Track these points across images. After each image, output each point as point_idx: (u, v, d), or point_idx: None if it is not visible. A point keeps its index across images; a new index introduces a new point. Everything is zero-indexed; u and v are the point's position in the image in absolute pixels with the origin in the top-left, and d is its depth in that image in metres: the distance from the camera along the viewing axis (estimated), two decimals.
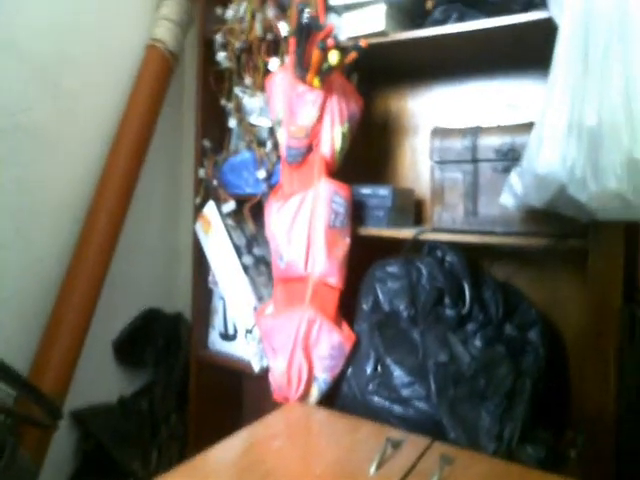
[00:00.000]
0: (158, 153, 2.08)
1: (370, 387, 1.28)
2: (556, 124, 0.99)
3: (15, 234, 1.62)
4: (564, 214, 1.06)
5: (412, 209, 1.60)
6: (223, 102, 1.86)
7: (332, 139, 1.47)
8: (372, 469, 0.98)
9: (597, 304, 1.07)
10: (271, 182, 1.70)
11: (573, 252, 1.18)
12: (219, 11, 1.84)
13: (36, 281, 1.69)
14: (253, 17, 1.74)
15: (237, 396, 2.04)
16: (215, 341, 1.85)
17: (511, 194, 1.12)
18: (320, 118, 1.46)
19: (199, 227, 1.86)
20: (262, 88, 1.73)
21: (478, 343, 1.26)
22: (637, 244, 1.13)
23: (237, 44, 1.77)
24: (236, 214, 1.82)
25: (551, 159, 0.99)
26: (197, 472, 1.00)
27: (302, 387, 1.37)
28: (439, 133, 1.36)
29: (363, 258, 1.49)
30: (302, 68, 1.44)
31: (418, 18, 1.44)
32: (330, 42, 1.37)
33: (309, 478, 0.96)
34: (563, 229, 1.16)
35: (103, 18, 1.87)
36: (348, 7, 1.49)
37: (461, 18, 1.32)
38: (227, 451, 1.10)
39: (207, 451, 1.08)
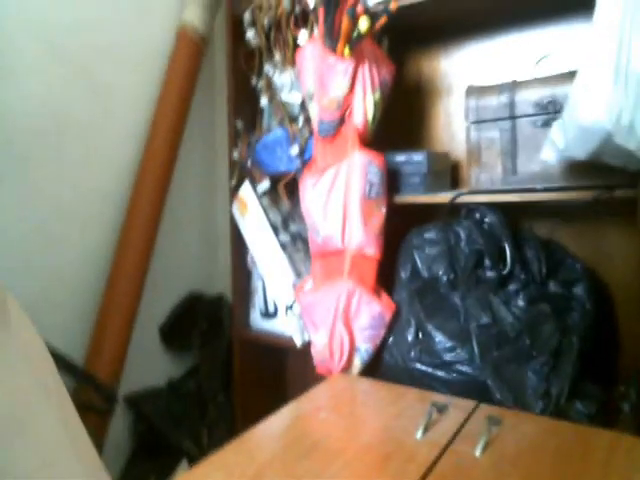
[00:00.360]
0: (193, 137, 2.11)
1: (412, 354, 1.28)
2: (601, 70, 0.96)
3: (57, 229, 1.69)
4: (610, 164, 1.03)
5: (448, 173, 1.58)
6: (254, 81, 1.87)
7: (364, 109, 1.46)
8: (419, 434, 0.98)
9: None
10: (304, 158, 1.70)
11: (620, 204, 1.14)
12: None
13: (89, 270, 1.77)
14: None
15: (281, 373, 2.07)
16: (256, 320, 1.87)
17: (553, 148, 1.09)
18: (352, 88, 1.45)
19: (235, 209, 1.88)
20: (292, 63, 1.73)
21: (521, 303, 1.24)
22: None
23: (265, 20, 1.78)
24: (271, 193, 1.84)
25: (596, 108, 0.96)
26: (246, 448, 1.01)
27: (344, 359, 1.38)
28: (474, 91, 1.34)
29: (401, 226, 1.48)
30: (332, 38, 1.44)
31: None
32: (359, 8, 1.36)
33: (356, 447, 0.97)
34: (609, 180, 1.13)
35: (131, 7, 1.90)
36: None
37: None
38: (274, 426, 1.12)
39: (255, 428, 1.09)
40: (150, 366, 1.97)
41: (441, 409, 1.07)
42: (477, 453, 0.91)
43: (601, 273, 1.41)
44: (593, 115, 0.97)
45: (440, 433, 1.00)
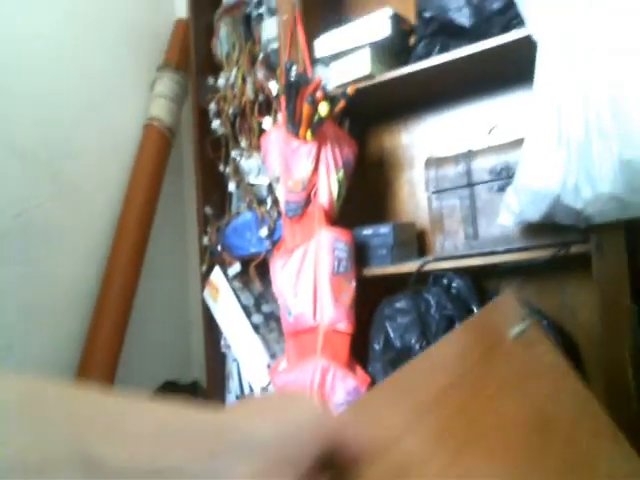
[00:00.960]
0: (163, 226, 2.16)
1: None
2: (544, 137, 1.05)
3: (23, 332, 1.68)
4: (562, 223, 1.09)
5: (414, 242, 1.64)
6: (221, 168, 1.95)
7: (329, 187, 1.53)
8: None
9: (607, 305, 1.09)
10: (274, 238, 1.75)
11: (576, 259, 1.20)
12: (211, 81, 1.96)
13: (59, 364, 1.75)
14: (244, 81, 1.86)
15: None
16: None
17: (509, 212, 1.16)
18: (315, 169, 1.53)
19: (207, 294, 1.90)
20: (258, 148, 1.82)
21: None
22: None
23: (230, 109, 1.88)
24: (242, 275, 1.87)
25: (543, 172, 1.04)
26: None
27: None
28: (433, 163, 1.42)
29: (371, 298, 1.51)
30: (294, 124, 1.52)
31: (402, 55, 1.54)
32: (319, 95, 1.45)
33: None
34: (564, 238, 1.20)
35: (98, 104, 1.99)
36: (334, 57, 1.60)
37: (443, 49, 1.41)
38: None
39: None
40: None
41: None
42: None
43: (565, 324, 1.46)
44: (542, 179, 1.04)
45: None
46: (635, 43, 0.96)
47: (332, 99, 1.49)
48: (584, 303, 1.43)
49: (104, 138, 2.00)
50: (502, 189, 1.24)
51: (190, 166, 2.16)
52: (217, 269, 1.87)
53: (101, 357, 1.77)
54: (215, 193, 1.98)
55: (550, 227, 1.15)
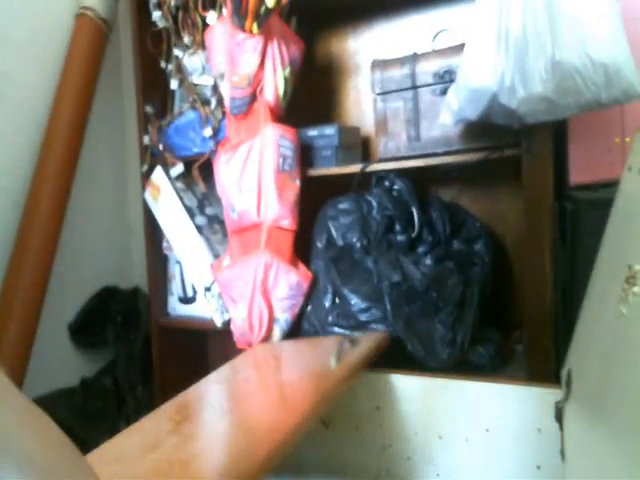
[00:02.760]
0: (99, 125, 2.15)
1: (330, 319, 1.42)
2: (485, 38, 1.15)
3: None
4: (498, 123, 1.21)
5: (359, 146, 1.75)
6: (162, 64, 1.95)
7: (275, 84, 1.59)
8: (332, 363, 1.10)
9: (532, 204, 1.24)
10: (218, 139, 1.81)
11: (510, 163, 1.35)
12: None
13: None
14: None
15: (203, 357, 2.16)
16: (175, 307, 1.96)
17: (449, 111, 1.26)
18: (261, 64, 1.58)
19: (148, 195, 1.95)
20: (202, 45, 1.83)
21: (429, 262, 1.41)
22: (565, 145, 1.29)
23: (172, 2, 1.87)
24: (185, 176, 1.92)
25: (483, 71, 1.15)
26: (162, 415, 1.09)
27: (264, 330, 1.50)
28: (379, 65, 1.51)
29: (315, 199, 1.62)
30: (240, 16, 1.55)
31: None
32: None
33: (276, 385, 1.09)
34: (499, 141, 1.34)
35: None
36: None
37: None
38: (189, 394, 1.20)
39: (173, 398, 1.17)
40: (60, 366, 1.99)
41: (354, 341, 1.22)
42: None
43: (497, 229, 1.65)
44: (480, 78, 1.15)
45: (352, 359, 1.15)
46: None
47: None
48: (513, 208, 1.61)
49: (30, 29, 1.93)
50: (444, 92, 1.34)
51: (129, 61, 2.14)
52: (159, 169, 1.91)
53: (31, 265, 1.79)
54: (156, 91, 1.99)
55: (487, 131, 1.28)
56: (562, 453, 0.99)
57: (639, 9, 1.25)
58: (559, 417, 1.01)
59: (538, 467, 1.10)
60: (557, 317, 1.22)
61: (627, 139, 1.24)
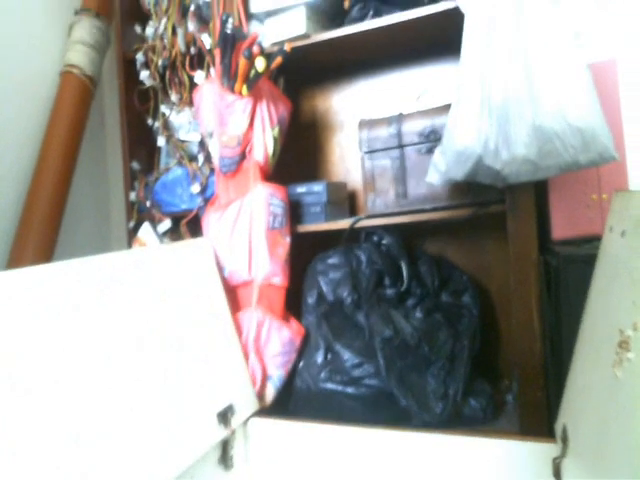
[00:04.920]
0: (82, 179, 2.18)
1: (322, 375, 1.46)
2: (469, 103, 1.24)
3: None
4: (483, 183, 1.29)
5: (346, 201, 1.83)
6: (149, 121, 2.02)
7: (264, 144, 1.66)
8: None
9: (518, 258, 1.31)
10: (206, 195, 1.87)
11: (495, 219, 1.44)
12: (138, 29, 2.01)
13: None
14: (174, 32, 1.93)
15: None
16: None
17: (436, 171, 1.34)
18: (251, 125, 1.66)
19: None
20: (189, 103, 1.91)
21: (419, 315, 1.47)
22: (546, 203, 1.38)
23: (160, 61, 1.95)
24: (172, 232, 1.97)
25: (467, 135, 1.23)
26: None
27: (257, 388, 1.52)
28: (366, 124, 1.60)
29: (305, 253, 1.69)
30: (229, 78, 1.63)
31: (337, 18, 1.70)
32: (256, 49, 1.57)
33: None
34: (484, 198, 1.42)
35: (8, 48, 1.96)
36: (269, 13, 1.73)
37: (377, 14, 1.59)
38: None
39: None
40: None
41: None
42: None
43: (484, 281, 1.74)
44: (465, 141, 1.23)
45: None
46: (548, 22, 1.15)
47: (268, 55, 1.60)
48: (499, 260, 1.71)
49: (16, 86, 1.98)
50: (430, 151, 1.43)
51: (113, 119, 2.21)
52: (146, 225, 1.96)
53: None
54: (142, 148, 2.05)
55: (472, 188, 1.37)
56: None
57: (609, 76, 1.35)
58: (557, 474, 1.05)
59: None
60: (546, 368, 1.27)
61: (604, 196, 1.33)
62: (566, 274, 1.22)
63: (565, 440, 0.99)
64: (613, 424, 0.70)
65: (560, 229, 1.37)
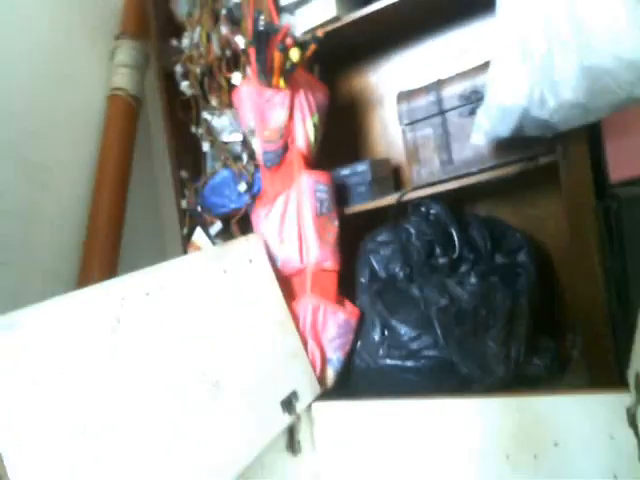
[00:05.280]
0: (136, 197, 2.25)
1: (381, 352, 1.44)
2: (509, 55, 1.21)
3: None
4: (531, 136, 1.24)
5: (391, 177, 1.82)
6: (193, 129, 2.05)
7: (305, 133, 1.67)
8: None
9: (573, 208, 1.26)
10: (253, 192, 1.88)
11: (544, 172, 1.38)
12: (174, 42, 2.06)
13: None
14: (209, 39, 1.97)
15: None
16: None
17: (480, 131, 1.31)
18: (291, 116, 1.67)
19: None
20: (228, 105, 1.94)
21: (473, 280, 1.43)
22: (601, 145, 1.31)
23: (198, 69, 1.99)
24: (224, 233, 1.99)
25: (511, 88, 1.21)
26: None
27: (317, 372, 1.51)
28: (404, 96, 1.58)
29: (355, 234, 1.68)
30: (266, 74, 1.65)
31: None
32: (289, 41, 1.58)
33: None
34: (532, 152, 1.37)
35: (57, 81, 2.06)
36: (299, 3, 1.75)
37: None
38: None
39: None
40: None
41: None
42: None
43: (539, 237, 1.68)
44: (509, 95, 1.20)
45: None
46: None
47: (302, 45, 1.61)
48: (552, 213, 1.65)
49: (68, 114, 2.07)
50: (472, 112, 1.40)
51: (158, 132, 2.26)
52: (199, 230, 1.99)
53: None
54: (188, 156, 2.09)
55: (519, 143, 1.33)
56: None
57: None
58: (633, 422, 0.99)
59: (615, 476, 1.06)
60: (613, 317, 1.21)
61: None
62: (629, 215, 1.17)
63: (639, 387, 0.93)
64: None
65: (618, 169, 1.30)
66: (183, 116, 2.05)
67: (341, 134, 2.01)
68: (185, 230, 2.04)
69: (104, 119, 2.17)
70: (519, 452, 1.15)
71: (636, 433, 1.00)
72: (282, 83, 1.64)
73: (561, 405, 1.11)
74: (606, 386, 1.12)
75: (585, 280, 1.24)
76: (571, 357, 1.46)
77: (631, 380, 1.00)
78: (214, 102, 2.00)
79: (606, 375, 1.21)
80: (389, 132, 1.97)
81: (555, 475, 1.12)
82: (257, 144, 1.73)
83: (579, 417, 1.10)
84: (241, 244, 1.53)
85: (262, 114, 1.68)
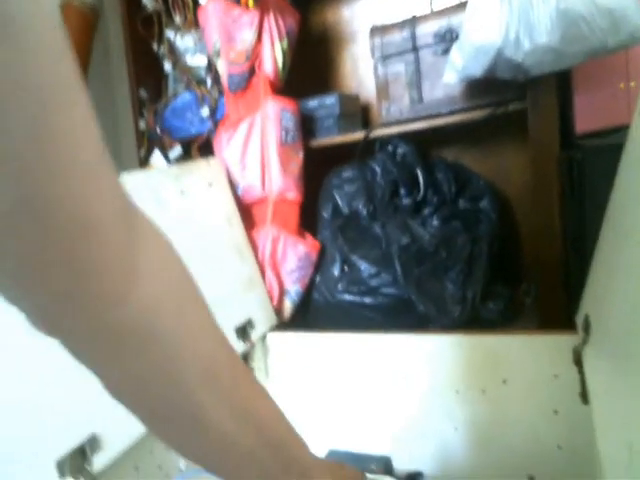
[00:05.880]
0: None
1: (340, 287, 1.46)
2: None
3: None
4: (502, 79, 1.24)
5: (359, 114, 1.79)
6: (155, 47, 1.97)
7: (273, 57, 1.62)
8: None
9: (539, 155, 1.28)
10: (216, 118, 1.83)
11: (514, 120, 1.39)
12: None
13: None
14: None
15: None
16: None
17: (453, 69, 1.30)
18: (259, 38, 1.61)
19: None
20: (194, 25, 1.86)
21: (436, 222, 1.46)
22: (570, 96, 1.33)
23: None
24: (184, 158, 1.95)
25: (486, 27, 1.19)
26: None
27: (275, 303, 1.52)
28: (378, 30, 1.55)
29: (319, 169, 1.66)
30: None
31: None
32: None
33: None
34: (503, 96, 1.37)
35: None
36: None
37: None
38: None
39: None
40: None
41: None
42: None
43: (503, 185, 1.71)
44: (484, 33, 1.19)
45: None
46: None
47: None
48: (518, 164, 1.67)
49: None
50: (446, 52, 1.38)
51: (118, 48, 2.16)
52: (157, 152, 1.94)
53: None
54: (149, 75, 2.01)
55: (490, 88, 1.32)
56: (582, 396, 1.02)
57: None
58: (578, 361, 1.04)
59: (555, 412, 1.13)
60: (568, 266, 1.25)
61: (632, 83, 1.28)
62: (591, 166, 1.19)
63: (587, 329, 0.98)
64: None
65: (584, 121, 1.32)
66: (144, 33, 1.97)
67: (312, 68, 1.96)
68: (142, 152, 1.99)
69: None
70: (468, 388, 1.20)
71: (580, 370, 1.06)
72: (251, 2, 1.58)
73: (511, 345, 1.16)
74: (555, 329, 1.17)
75: (544, 228, 1.27)
76: (525, 304, 1.52)
77: (579, 321, 1.05)
78: (178, 20, 1.91)
79: (556, 321, 1.26)
80: (361, 69, 1.93)
81: (500, 410, 1.18)
82: (222, 66, 1.68)
83: (528, 357, 1.15)
84: (201, 167, 1.49)
85: (229, 34, 1.62)
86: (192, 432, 0.46)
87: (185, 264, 0.47)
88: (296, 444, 0.55)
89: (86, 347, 0.40)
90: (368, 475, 1.08)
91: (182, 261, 0.47)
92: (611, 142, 1.12)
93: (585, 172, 1.20)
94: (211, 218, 1.41)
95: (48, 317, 0.36)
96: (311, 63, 1.95)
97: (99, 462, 0.85)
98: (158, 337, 0.40)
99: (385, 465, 1.22)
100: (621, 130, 1.21)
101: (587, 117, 1.32)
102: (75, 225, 0.33)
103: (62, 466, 0.78)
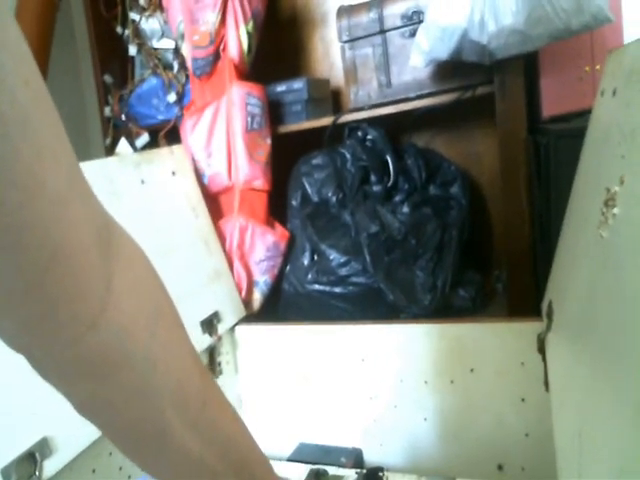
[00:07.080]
0: (56, 100, 2.14)
1: (309, 277, 1.46)
2: None
3: None
4: (469, 61, 1.25)
5: (329, 99, 1.79)
6: (119, 30, 1.95)
7: (238, 40, 1.61)
8: None
9: (506, 139, 1.29)
10: (183, 104, 1.82)
11: (483, 104, 1.40)
12: None
13: None
14: None
15: None
16: None
17: (419, 52, 1.30)
18: (223, 20, 1.60)
19: None
20: (159, 7, 1.84)
21: (406, 209, 1.47)
22: (537, 80, 1.34)
23: None
24: (151, 145, 1.94)
25: (452, 8, 1.19)
26: None
27: (244, 294, 1.53)
28: (345, 11, 1.54)
29: (288, 156, 1.66)
30: None
31: None
32: None
33: None
34: (471, 80, 1.38)
35: None
36: None
37: None
38: None
39: None
40: None
41: None
42: None
43: (473, 171, 1.73)
44: (450, 15, 1.19)
45: None
46: None
47: None
48: (488, 149, 1.68)
49: None
50: (414, 34, 1.38)
51: (83, 30, 2.14)
52: (123, 141, 1.92)
53: None
54: (114, 59, 1.99)
55: (458, 72, 1.33)
56: (546, 384, 1.04)
57: None
58: (541, 349, 1.07)
59: (523, 400, 1.15)
60: (536, 253, 1.27)
61: (597, 67, 1.29)
62: (557, 151, 1.20)
63: (550, 315, 0.99)
64: (599, 287, 0.69)
65: (550, 105, 1.33)
66: (107, 14, 1.95)
67: (281, 52, 1.95)
68: (108, 140, 1.98)
69: (15, 10, 2.02)
70: (437, 377, 1.22)
71: (543, 358, 1.09)
72: None
73: (479, 333, 1.18)
74: (521, 316, 1.19)
75: (512, 214, 1.28)
76: (496, 291, 1.54)
77: (544, 308, 1.07)
78: (142, 1, 1.90)
79: (525, 308, 1.28)
80: (331, 53, 1.92)
81: (468, 399, 1.20)
82: (186, 50, 1.67)
83: (495, 345, 1.17)
84: (163, 155, 1.48)
85: (191, 15, 1.60)
86: (157, 450, 0.46)
87: (159, 278, 0.47)
88: (260, 465, 0.57)
89: (55, 369, 0.39)
90: (330, 472, 1.11)
91: (157, 275, 0.47)
92: (576, 126, 1.14)
93: (551, 157, 1.21)
94: (175, 208, 1.41)
95: (16, 340, 0.36)
96: (281, 46, 1.94)
97: (52, 467, 0.85)
98: (130, 359, 0.40)
99: (355, 458, 1.22)
100: (586, 114, 1.23)
101: (554, 101, 1.33)
102: (45, 252, 0.32)
103: (8, 475, 0.77)
